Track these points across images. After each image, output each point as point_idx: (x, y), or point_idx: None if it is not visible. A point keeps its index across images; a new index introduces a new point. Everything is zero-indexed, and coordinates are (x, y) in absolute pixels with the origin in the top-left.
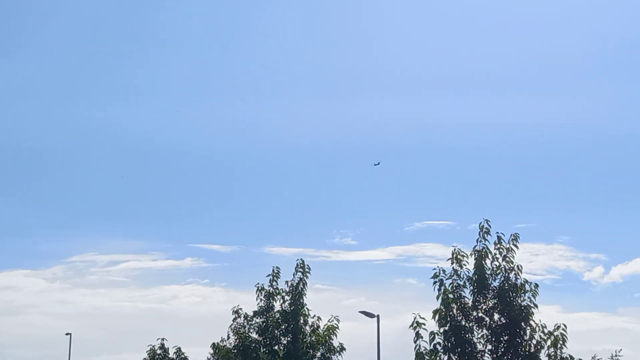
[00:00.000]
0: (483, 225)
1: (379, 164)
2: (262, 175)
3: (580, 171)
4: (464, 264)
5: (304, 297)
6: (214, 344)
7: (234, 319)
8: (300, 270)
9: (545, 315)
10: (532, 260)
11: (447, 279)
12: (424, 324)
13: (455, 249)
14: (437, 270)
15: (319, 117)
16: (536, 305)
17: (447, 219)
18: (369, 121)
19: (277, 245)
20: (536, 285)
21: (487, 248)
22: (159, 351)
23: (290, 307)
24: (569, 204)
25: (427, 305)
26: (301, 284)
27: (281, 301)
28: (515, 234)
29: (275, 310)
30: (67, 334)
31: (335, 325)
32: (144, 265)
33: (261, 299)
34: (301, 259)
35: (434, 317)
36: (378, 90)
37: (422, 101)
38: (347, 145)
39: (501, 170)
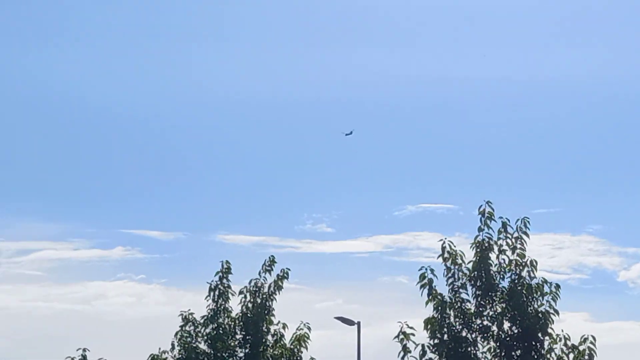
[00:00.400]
0: (484, 210)
1: (351, 133)
2: (214, 143)
3: (618, 145)
4: (458, 262)
5: (273, 301)
6: (152, 356)
7: (182, 326)
8: (268, 269)
9: (569, 324)
10: (554, 255)
11: (445, 279)
12: (413, 334)
13: (445, 243)
14: (425, 271)
15: (287, 69)
16: (557, 312)
17: (448, 202)
18: (352, 75)
19: (233, 232)
20: (557, 286)
21: (492, 238)
22: None
23: (251, 310)
24: (601, 185)
25: (420, 311)
26: (272, 286)
27: (240, 303)
28: (525, 218)
29: (233, 314)
30: None
31: (306, 335)
32: (62, 255)
33: (213, 300)
34: (272, 256)
35: (425, 327)
36: (362, 37)
37: (419, 51)
38: (324, 106)
39: (517, 140)
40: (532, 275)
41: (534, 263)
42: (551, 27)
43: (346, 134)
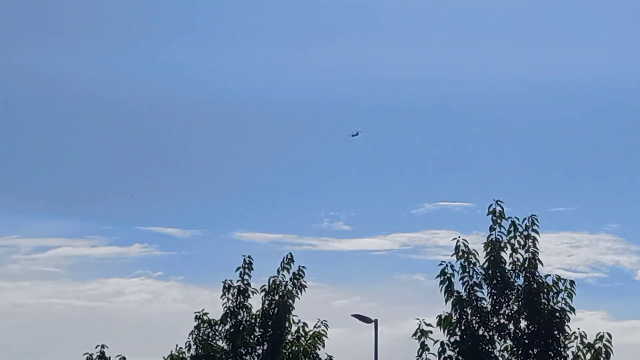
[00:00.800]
0: (494, 209)
1: (357, 134)
2: (233, 141)
3: (637, 144)
4: (472, 260)
5: (295, 299)
6: (171, 355)
7: (197, 327)
8: (287, 266)
9: (586, 322)
10: (571, 254)
11: (460, 277)
12: (432, 332)
13: (459, 241)
14: (445, 266)
15: (305, 69)
16: (573, 309)
17: (465, 200)
18: (367, 73)
19: (251, 230)
20: (572, 283)
21: (504, 237)
22: None
23: (272, 309)
24: (620, 184)
25: (438, 309)
26: (291, 284)
27: (261, 301)
28: (532, 216)
29: (253, 312)
30: None
31: (323, 332)
32: (80, 252)
33: (229, 298)
34: (290, 254)
35: (439, 324)
36: (376, 35)
37: (436, 49)
38: (341, 106)
39: (535, 139)
40: (538, 273)
41: (539, 261)
42: (574, 25)
43: (352, 135)
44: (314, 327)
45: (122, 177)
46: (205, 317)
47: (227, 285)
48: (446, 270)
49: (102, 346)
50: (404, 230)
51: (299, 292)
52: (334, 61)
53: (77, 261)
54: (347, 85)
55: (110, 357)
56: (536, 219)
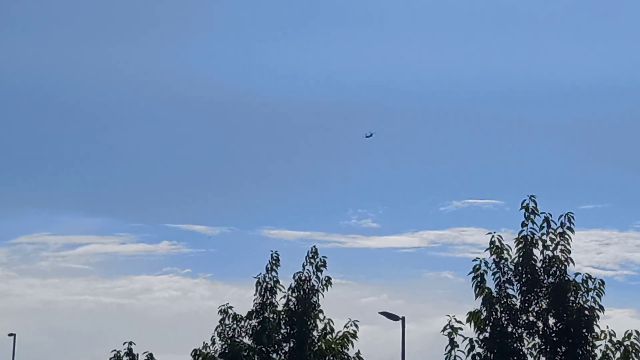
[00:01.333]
0: (528, 204)
1: (371, 135)
2: (261, 139)
3: None
4: (504, 256)
5: (319, 295)
6: (195, 350)
7: (221, 321)
8: (312, 261)
9: (615, 320)
10: (601, 252)
11: (492, 274)
12: (461, 329)
13: (494, 236)
14: (478, 263)
15: (333, 66)
16: (602, 308)
17: (494, 197)
18: (393, 71)
19: (278, 227)
20: (601, 282)
21: (535, 234)
22: (125, 358)
23: (298, 306)
24: None
25: (465, 307)
26: (314, 278)
27: (284, 298)
28: (569, 213)
29: (279, 309)
30: (10, 334)
31: (353, 332)
32: (109, 249)
33: (258, 294)
34: (314, 247)
35: (469, 320)
36: (399, 33)
37: (462, 39)
38: (370, 103)
39: (565, 136)
40: (568, 271)
41: (572, 260)
42: (609, 18)
43: (366, 136)
44: (344, 326)
45: (151, 174)
46: (230, 311)
47: (260, 280)
48: (479, 267)
49: (130, 343)
50: (432, 227)
51: (324, 287)
52: (361, 61)
53: (106, 258)
54: (375, 83)
55: (137, 354)
56: (572, 217)
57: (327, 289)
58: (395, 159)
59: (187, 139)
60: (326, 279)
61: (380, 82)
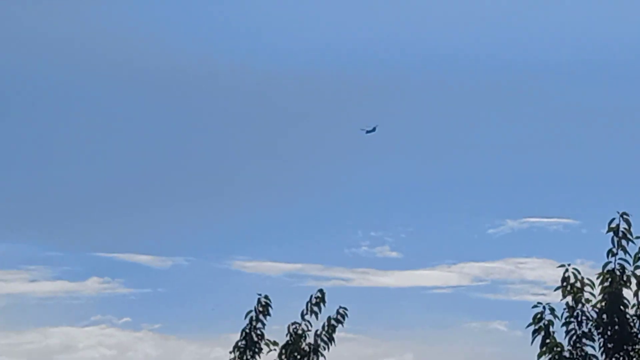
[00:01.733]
0: (617, 226)
1: (374, 130)
2: (230, 128)
3: None
4: (586, 298)
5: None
6: None
7: None
8: (315, 309)
9: None
10: None
11: (562, 324)
12: None
13: (567, 270)
14: (540, 310)
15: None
16: None
17: (565, 216)
18: (433, 48)
19: (256, 258)
20: None
21: (628, 268)
22: None
23: None
24: None
25: None
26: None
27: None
28: None
29: None
30: None
31: None
32: (15, 288)
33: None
34: (321, 290)
35: None
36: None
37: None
38: (377, 69)
39: None
40: None
41: None
42: None
43: (367, 132)
44: None
45: (74, 188)
46: None
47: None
48: (543, 316)
49: None
50: (477, 258)
51: (325, 346)
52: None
53: (10, 302)
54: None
55: None
56: None
57: (328, 348)
58: (422, 160)
59: (127, 132)
60: (327, 334)
61: (398, 55)
